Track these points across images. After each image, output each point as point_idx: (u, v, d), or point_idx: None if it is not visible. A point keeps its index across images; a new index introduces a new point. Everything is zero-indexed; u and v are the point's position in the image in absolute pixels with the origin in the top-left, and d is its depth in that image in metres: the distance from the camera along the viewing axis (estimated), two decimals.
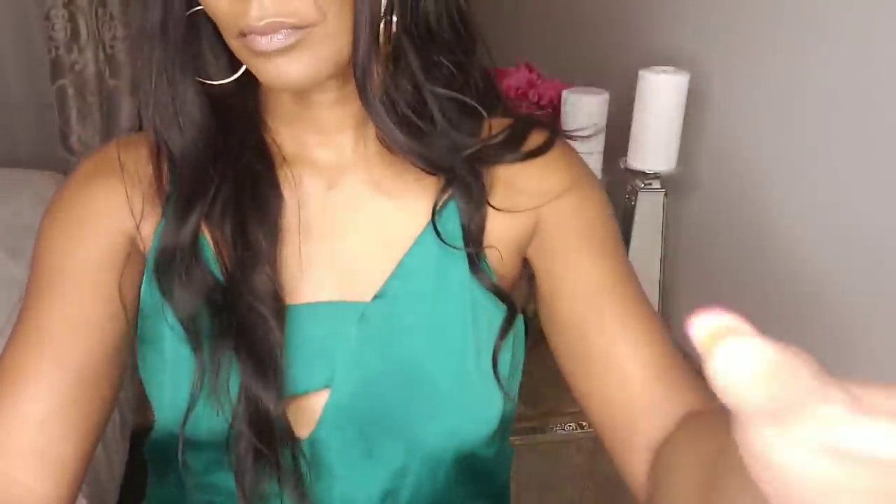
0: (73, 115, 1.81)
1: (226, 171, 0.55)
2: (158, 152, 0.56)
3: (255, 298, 0.54)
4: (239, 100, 0.58)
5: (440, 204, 0.57)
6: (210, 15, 0.49)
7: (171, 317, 0.55)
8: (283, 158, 0.58)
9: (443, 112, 0.54)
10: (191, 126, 0.55)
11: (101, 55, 1.82)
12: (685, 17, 1.17)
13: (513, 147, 0.59)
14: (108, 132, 1.86)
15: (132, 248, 0.56)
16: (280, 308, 0.54)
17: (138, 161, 0.57)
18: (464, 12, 0.55)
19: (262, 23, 0.46)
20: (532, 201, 0.58)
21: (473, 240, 0.57)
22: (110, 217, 0.56)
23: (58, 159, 1.85)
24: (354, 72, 0.50)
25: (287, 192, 0.57)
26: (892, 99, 0.75)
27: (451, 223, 0.58)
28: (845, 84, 0.82)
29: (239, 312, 0.54)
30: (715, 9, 1.09)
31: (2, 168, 1.79)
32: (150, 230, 0.57)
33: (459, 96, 0.55)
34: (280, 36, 0.47)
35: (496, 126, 0.60)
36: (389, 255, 0.58)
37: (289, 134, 0.59)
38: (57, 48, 1.77)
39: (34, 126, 1.91)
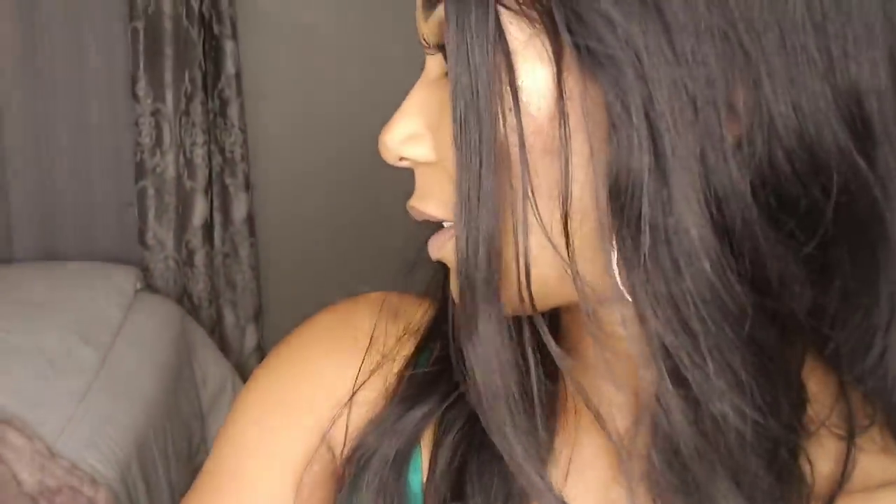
0: (151, 213, 1.94)
1: None
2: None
3: None
4: None
5: None
6: None
7: None
8: (577, 403, 0.37)
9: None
10: None
11: (182, 159, 1.96)
12: None
13: None
14: (181, 229, 1.98)
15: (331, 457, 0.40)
16: None
17: (390, 333, 0.41)
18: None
19: (412, 206, 0.35)
20: None
21: None
22: (328, 398, 0.40)
23: (134, 255, 1.97)
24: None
25: (558, 452, 0.36)
26: None
27: None
28: None
29: None
30: None
31: (82, 261, 1.93)
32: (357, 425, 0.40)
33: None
34: (434, 240, 0.34)
35: None
36: None
37: (582, 366, 0.37)
38: (142, 152, 1.92)
39: (114, 223, 2.05)
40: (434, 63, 0.33)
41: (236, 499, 0.39)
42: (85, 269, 1.85)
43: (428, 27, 0.32)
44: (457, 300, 0.33)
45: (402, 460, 0.38)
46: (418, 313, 0.42)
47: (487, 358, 0.32)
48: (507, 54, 0.29)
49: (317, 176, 2.11)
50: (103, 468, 1.26)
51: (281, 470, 0.39)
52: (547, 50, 0.29)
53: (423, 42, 0.33)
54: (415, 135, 0.33)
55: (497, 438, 0.33)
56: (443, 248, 0.34)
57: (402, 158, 0.33)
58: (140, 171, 1.93)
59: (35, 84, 1.94)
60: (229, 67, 1.97)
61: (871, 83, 0.28)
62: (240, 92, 2.00)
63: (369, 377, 0.40)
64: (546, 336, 0.33)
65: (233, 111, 2.00)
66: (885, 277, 0.30)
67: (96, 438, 1.31)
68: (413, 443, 0.38)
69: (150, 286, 1.92)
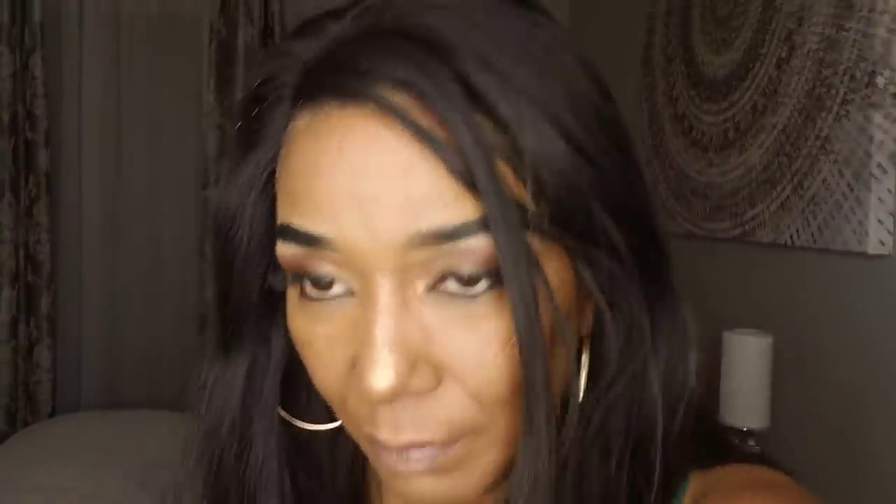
0: None
1: None
2: None
3: None
4: (338, 451, 0.44)
5: None
6: (319, 391, 0.35)
7: None
8: None
9: None
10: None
11: None
12: (766, 281, 1.27)
13: None
14: None
15: None
16: None
17: None
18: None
19: (397, 444, 0.32)
20: None
21: None
22: None
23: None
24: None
25: None
26: None
27: None
28: None
29: None
30: (794, 277, 1.18)
31: (147, 409, 2.01)
32: None
33: None
34: (422, 455, 0.33)
35: None
36: None
37: None
38: None
39: (179, 371, 2.15)
40: (391, 288, 0.31)
41: None
42: (149, 416, 1.93)
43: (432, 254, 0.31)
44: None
45: None
46: None
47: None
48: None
49: None
50: None
51: None
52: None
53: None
54: (414, 364, 0.31)
55: None
56: (426, 464, 0.33)
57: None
58: None
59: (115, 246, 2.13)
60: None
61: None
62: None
63: None
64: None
65: None
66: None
67: None
68: None
69: None
